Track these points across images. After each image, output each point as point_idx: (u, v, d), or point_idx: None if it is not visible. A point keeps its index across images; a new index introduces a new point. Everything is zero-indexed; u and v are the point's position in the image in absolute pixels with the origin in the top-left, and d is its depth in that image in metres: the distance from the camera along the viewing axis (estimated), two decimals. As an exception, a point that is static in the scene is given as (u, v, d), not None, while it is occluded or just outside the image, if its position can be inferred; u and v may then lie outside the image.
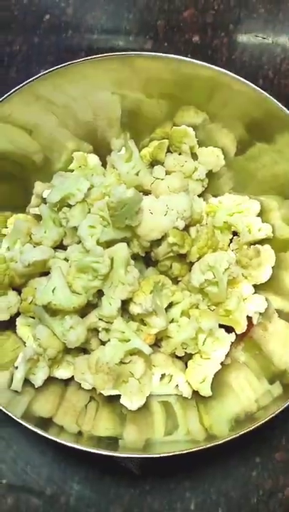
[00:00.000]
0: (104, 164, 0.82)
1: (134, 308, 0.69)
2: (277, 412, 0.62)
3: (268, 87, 0.96)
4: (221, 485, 0.77)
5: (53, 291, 0.66)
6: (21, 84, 0.71)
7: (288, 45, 0.97)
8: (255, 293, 0.78)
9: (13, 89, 0.71)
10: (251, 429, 0.61)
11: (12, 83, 0.72)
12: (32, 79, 0.70)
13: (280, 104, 0.71)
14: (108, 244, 0.69)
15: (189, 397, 0.72)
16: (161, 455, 0.60)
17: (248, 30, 0.98)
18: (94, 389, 0.71)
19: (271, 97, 0.71)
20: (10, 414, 0.63)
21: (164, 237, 0.71)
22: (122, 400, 0.70)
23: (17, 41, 0.97)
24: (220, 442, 0.61)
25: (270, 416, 0.62)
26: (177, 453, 0.60)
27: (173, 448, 0.62)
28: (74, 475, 0.76)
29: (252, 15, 0.99)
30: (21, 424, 0.75)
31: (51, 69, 0.70)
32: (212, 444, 0.61)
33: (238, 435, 0.61)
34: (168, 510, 0.75)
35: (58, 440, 0.61)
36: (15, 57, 0.96)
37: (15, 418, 0.63)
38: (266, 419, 0.62)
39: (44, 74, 0.70)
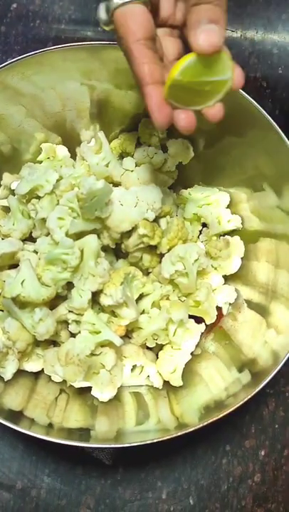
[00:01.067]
0: (73, 156, 0.82)
1: (105, 300, 0.68)
2: (246, 400, 0.63)
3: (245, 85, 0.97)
4: (191, 473, 0.78)
5: (21, 284, 0.66)
6: None
7: (256, 38, 0.97)
8: (224, 284, 0.79)
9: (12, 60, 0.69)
10: (220, 416, 0.62)
11: None
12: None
13: (249, 98, 0.71)
14: (78, 236, 0.69)
15: (160, 388, 0.73)
16: (132, 444, 0.60)
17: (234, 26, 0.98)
18: (64, 381, 0.71)
19: (241, 91, 0.72)
20: None
21: (134, 229, 0.71)
22: (93, 392, 0.70)
23: (-17, 30, 0.96)
24: (190, 430, 0.61)
25: (239, 403, 0.62)
26: (148, 442, 0.60)
27: (144, 437, 0.62)
28: (44, 468, 0.76)
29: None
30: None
31: (18, 57, 0.69)
32: (182, 433, 0.61)
33: (208, 423, 0.61)
34: (140, 500, 0.76)
35: (29, 433, 0.61)
36: (-19, 47, 0.95)
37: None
38: (235, 407, 0.62)
39: (11, 63, 0.69)
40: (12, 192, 0.77)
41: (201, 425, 0.61)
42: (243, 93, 0.71)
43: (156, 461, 0.77)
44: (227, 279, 0.80)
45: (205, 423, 0.61)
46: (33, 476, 0.75)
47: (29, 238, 0.76)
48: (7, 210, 0.77)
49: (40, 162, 0.79)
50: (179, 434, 0.61)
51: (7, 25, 0.96)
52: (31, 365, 0.72)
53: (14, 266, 0.72)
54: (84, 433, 0.64)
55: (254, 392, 0.63)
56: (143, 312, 0.74)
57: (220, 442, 0.80)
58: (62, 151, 0.80)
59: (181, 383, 0.72)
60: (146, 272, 0.76)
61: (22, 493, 0.75)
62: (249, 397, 0.63)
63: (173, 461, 0.78)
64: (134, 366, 0.73)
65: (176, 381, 0.72)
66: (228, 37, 0.97)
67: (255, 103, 0.71)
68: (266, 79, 0.96)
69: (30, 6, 0.98)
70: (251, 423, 0.81)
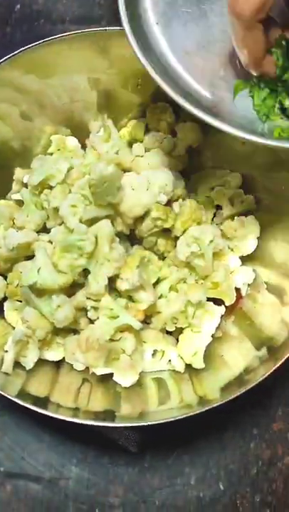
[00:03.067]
0: (83, 148, 0.82)
1: (122, 285, 0.68)
2: (266, 375, 0.62)
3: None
4: (219, 458, 0.77)
5: (38, 272, 0.66)
6: None
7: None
8: (242, 265, 0.78)
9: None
10: (243, 391, 0.62)
11: None
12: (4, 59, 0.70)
13: None
14: (91, 222, 0.69)
15: (182, 371, 0.72)
16: (158, 422, 0.61)
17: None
18: (87, 369, 0.71)
19: None
20: (5, 394, 0.62)
21: (147, 213, 0.71)
22: (114, 377, 0.69)
23: (-11, 31, 0.97)
24: (214, 405, 0.62)
25: (261, 379, 0.62)
26: (172, 419, 0.61)
27: (168, 416, 0.62)
28: (72, 458, 0.75)
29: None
30: (15, 411, 0.75)
31: (21, 49, 0.70)
32: (207, 408, 0.61)
33: (232, 397, 0.62)
34: (168, 487, 0.75)
35: (56, 416, 0.62)
36: (-12, 48, 0.96)
37: (11, 399, 0.63)
38: (257, 382, 0.62)
39: (14, 55, 0.70)
40: (25, 185, 0.78)
41: (225, 400, 0.61)
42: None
43: (183, 447, 0.77)
44: (244, 260, 0.79)
45: (229, 398, 0.61)
46: (61, 466, 0.75)
47: (43, 230, 0.76)
48: (21, 203, 0.77)
49: (51, 154, 0.80)
50: (204, 410, 0.61)
51: (12, 26, 0.97)
52: (52, 355, 0.72)
53: (30, 258, 0.72)
54: (109, 415, 0.64)
55: (275, 367, 0.62)
56: (161, 297, 0.73)
57: (247, 426, 0.78)
58: (72, 141, 0.81)
59: (203, 365, 0.71)
60: (162, 257, 0.76)
61: (50, 484, 0.74)
62: (270, 372, 0.62)
63: (200, 446, 0.77)
64: (155, 351, 0.73)
65: (199, 363, 0.71)
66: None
67: None
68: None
69: (34, 6, 0.99)
70: (278, 406, 0.79)
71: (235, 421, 0.78)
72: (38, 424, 0.76)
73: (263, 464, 0.77)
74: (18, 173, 0.79)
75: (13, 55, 0.70)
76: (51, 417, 0.63)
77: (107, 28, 0.71)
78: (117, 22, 0.95)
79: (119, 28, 0.73)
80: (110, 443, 0.73)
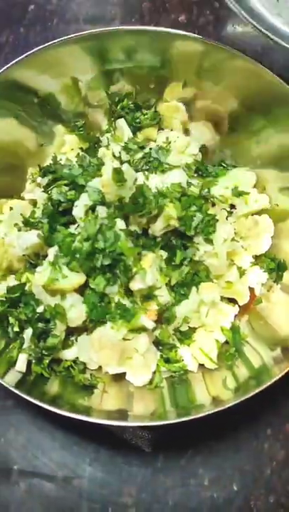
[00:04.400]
0: (96, 147, 0.82)
1: (135, 284, 0.68)
2: (280, 375, 0.62)
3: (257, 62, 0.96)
4: (233, 459, 0.76)
5: (51, 271, 0.66)
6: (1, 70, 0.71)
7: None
8: (256, 264, 0.77)
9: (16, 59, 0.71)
10: (257, 391, 0.62)
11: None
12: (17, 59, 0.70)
13: (276, 77, 0.71)
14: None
15: (195, 371, 0.72)
16: (170, 422, 0.60)
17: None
18: (100, 369, 0.71)
19: (266, 69, 0.71)
20: (19, 393, 0.63)
21: (160, 213, 0.71)
22: (127, 377, 0.69)
23: (4, 33, 0.98)
24: (228, 406, 0.61)
25: (275, 379, 0.62)
26: (186, 419, 0.61)
27: (182, 416, 0.62)
28: (85, 457, 0.76)
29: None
30: (30, 410, 0.76)
31: (35, 49, 0.70)
32: (220, 409, 0.61)
33: (245, 398, 0.61)
34: (181, 487, 0.75)
35: (70, 415, 0.62)
36: (3, 48, 0.97)
37: (26, 398, 0.63)
38: (270, 383, 0.62)
39: (31, 53, 0.70)
40: (38, 185, 0.78)
41: (238, 401, 0.61)
42: (269, 71, 0.71)
43: (196, 448, 0.76)
44: (258, 259, 0.78)
45: (242, 399, 0.61)
46: (75, 465, 0.75)
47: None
48: (34, 203, 0.78)
49: (64, 154, 0.80)
50: (217, 410, 0.61)
51: (26, 27, 0.98)
52: (67, 353, 0.72)
53: (44, 257, 0.73)
54: (122, 414, 0.65)
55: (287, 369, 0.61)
56: (174, 297, 0.73)
57: (261, 427, 0.78)
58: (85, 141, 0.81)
59: (216, 366, 0.71)
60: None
61: (64, 483, 0.75)
62: (284, 373, 0.61)
63: (214, 447, 0.77)
64: (168, 351, 0.73)
65: (211, 363, 0.71)
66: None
67: (282, 82, 0.70)
68: None
69: (47, 6, 1.00)
70: (292, 407, 0.79)
71: (249, 422, 0.77)
72: (52, 423, 0.76)
73: (278, 465, 0.76)
74: (32, 172, 0.80)
75: (27, 55, 0.70)
76: (65, 416, 0.63)
77: (119, 27, 0.71)
78: (130, 19, 0.97)
79: (132, 27, 0.74)
80: (123, 443, 0.74)
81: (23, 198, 0.80)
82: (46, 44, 0.71)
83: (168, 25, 0.97)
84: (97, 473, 0.75)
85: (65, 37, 0.71)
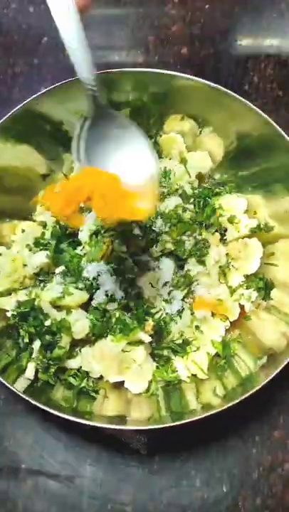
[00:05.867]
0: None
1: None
2: (266, 381, 0.69)
3: (254, 91, 1.03)
4: (223, 463, 0.83)
5: (57, 289, 0.73)
6: (22, 103, 0.78)
7: (271, 51, 1.03)
8: (245, 283, 0.83)
9: (16, 107, 0.78)
10: (246, 396, 0.69)
11: (15, 102, 0.79)
12: (31, 98, 0.77)
13: (264, 115, 0.77)
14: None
15: (188, 381, 0.79)
16: (162, 426, 0.68)
17: (233, 39, 1.05)
18: (101, 377, 0.78)
19: (256, 108, 0.77)
20: (28, 398, 0.70)
21: (158, 237, 0.78)
22: (126, 385, 0.76)
23: (18, 63, 1.05)
24: (218, 411, 0.69)
25: (261, 385, 0.69)
26: (178, 424, 0.68)
27: (176, 421, 0.69)
28: (86, 458, 0.82)
29: (236, 24, 1.06)
30: (37, 414, 0.83)
31: (50, 87, 0.77)
32: (211, 413, 0.68)
33: (233, 404, 0.69)
34: (175, 487, 0.81)
35: (73, 419, 0.69)
36: (17, 78, 1.04)
37: (34, 404, 0.70)
38: (257, 388, 0.69)
39: (45, 92, 0.77)
40: (48, 208, 0.85)
41: (229, 404, 0.68)
42: (258, 109, 0.77)
43: (190, 452, 0.83)
44: (248, 278, 0.84)
45: (229, 404, 0.68)
46: (77, 465, 0.82)
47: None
48: (44, 224, 0.85)
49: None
50: (207, 414, 0.68)
51: (39, 58, 1.05)
52: (71, 362, 0.78)
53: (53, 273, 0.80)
54: (121, 419, 0.72)
55: (273, 374, 0.69)
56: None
57: (250, 433, 0.84)
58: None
59: (207, 376, 0.78)
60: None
61: (67, 481, 0.81)
62: (269, 378, 0.69)
63: (206, 451, 0.83)
64: (164, 361, 0.79)
65: (203, 374, 0.78)
66: (245, 51, 1.03)
67: (270, 119, 0.77)
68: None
69: (59, 39, 1.06)
70: (279, 415, 0.85)
71: (238, 428, 0.84)
72: (57, 426, 0.83)
73: (264, 469, 0.82)
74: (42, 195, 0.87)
75: (44, 92, 0.77)
76: (69, 420, 0.70)
77: (129, 69, 0.78)
78: (136, 50, 1.03)
79: (134, 69, 0.80)
80: (123, 445, 0.80)
81: (34, 220, 0.87)
82: (60, 83, 0.77)
83: (171, 57, 1.04)
84: (98, 473, 0.82)
85: (74, 78, 0.76)
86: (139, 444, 0.80)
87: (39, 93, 0.79)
